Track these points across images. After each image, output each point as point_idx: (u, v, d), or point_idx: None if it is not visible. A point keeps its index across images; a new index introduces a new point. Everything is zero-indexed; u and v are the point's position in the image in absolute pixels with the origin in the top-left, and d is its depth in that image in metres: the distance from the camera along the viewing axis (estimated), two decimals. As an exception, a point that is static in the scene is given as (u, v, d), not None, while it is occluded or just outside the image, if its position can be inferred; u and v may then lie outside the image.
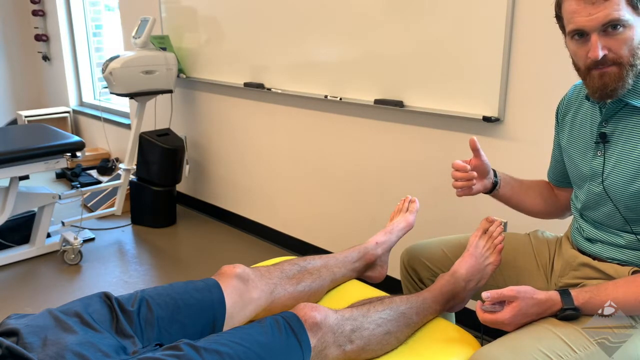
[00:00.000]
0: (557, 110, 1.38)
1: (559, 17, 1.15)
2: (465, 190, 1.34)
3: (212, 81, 3.08)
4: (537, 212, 1.48)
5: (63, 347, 0.97)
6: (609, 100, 1.14)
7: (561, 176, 1.42)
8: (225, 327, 1.20)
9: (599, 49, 1.05)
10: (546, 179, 1.51)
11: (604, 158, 1.19)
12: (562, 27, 1.15)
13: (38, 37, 4.93)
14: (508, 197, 1.45)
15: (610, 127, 1.17)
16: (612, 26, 1.04)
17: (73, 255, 2.79)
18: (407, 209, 1.64)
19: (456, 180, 1.34)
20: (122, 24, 3.81)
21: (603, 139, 1.18)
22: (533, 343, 1.07)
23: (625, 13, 1.03)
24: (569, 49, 1.15)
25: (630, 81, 1.08)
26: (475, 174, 1.33)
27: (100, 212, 3.25)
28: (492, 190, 1.43)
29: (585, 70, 1.11)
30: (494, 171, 1.43)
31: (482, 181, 1.39)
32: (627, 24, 1.04)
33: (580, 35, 1.09)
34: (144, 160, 3.18)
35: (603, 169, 1.19)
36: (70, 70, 4.82)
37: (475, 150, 1.35)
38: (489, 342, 1.13)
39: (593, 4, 1.04)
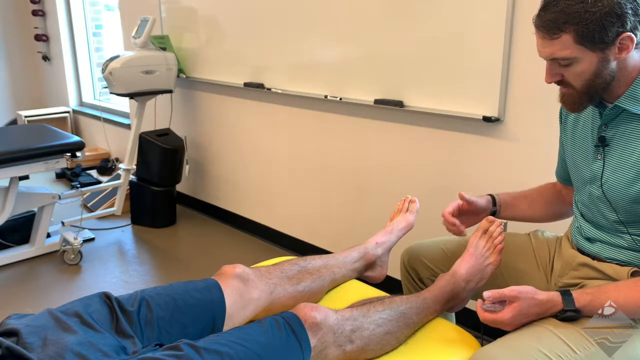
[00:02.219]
0: (561, 111, 1.38)
1: None
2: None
3: (212, 81, 3.08)
4: (545, 219, 1.51)
5: (63, 347, 0.97)
6: (609, 106, 1.15)
7: (569, 175, 1.42)
8: (225, 327, 1.20)
9: (548, 75, 1.15)
10: (550, 181, 1.52)
11: (604, 162, 1.19)
12: None
13: (38, 37, 4.93)
14: (510, 217, 1.50)
15: (609, 131, 1.18)
16: (561, 60, 1.10)
17: (73, 255, 2.79)
18: (407, 209, 1.64)
19: (448, 229, 1.44)
20: (122, 24, 3.81)
21: (602, 143, 1.18)
22: (533, 343, 1.07)
23: (574, 51, 1.07)
24: None
25: (587, 104, 1.15)
26: (463, 228, 1.43)
27: (100, 212, 3.25)
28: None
29: None
30: (493, 199, 1.48)
31: (478, 217, 1.47)
32: (575, 61, 1.09)
33: None
34: (144, 160, 3.18)
35: (602, 172, 1.19)
36: (70, 70, 4.82)
37: (463, 200, 1.43)
38: (489, 342, 1.13)
39: (543, 39, 1.10)
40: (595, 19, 1.03)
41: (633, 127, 1.13)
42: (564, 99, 1.17)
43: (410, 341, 1.27)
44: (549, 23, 1.07)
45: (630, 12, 1.03)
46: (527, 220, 1.50)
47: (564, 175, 1.44)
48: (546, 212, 1.49)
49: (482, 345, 1.19)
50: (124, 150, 3.54)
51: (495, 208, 1.47)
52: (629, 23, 1.03)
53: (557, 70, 1.12)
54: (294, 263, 1.41)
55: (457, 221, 1.41)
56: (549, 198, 1.48)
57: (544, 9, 1.09)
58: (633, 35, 1.05)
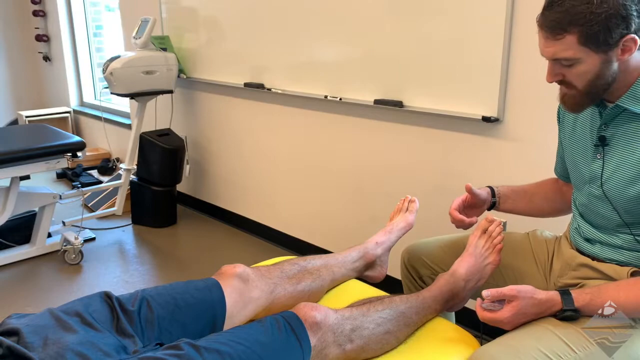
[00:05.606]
0: (558, 111, 1.38)
1: None
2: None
3: (212, 81, 3.08)
4: (543, 214, 1.51)
5: (64, 347, 0.97)
6: (609, 105, 1.15)
7: (568, 172, 1.42)
8: (225, 327, 1.21)
9: (550, 75, 1.14)
10: (550, 177, 1.52)
11: (604, 161, 1.19)
12: None
13: (39, 38, 4.94)
14: (510, 210, 1.50)
15: (610, 131, 1.18)
16: (563, 61, 1.09)
17: (74, 255, 2.80)
18: (407, 209, 1.65)
19: (457, 226, 1.45)
20: (122, 24, 3.81)
21: (602, 142, 1.18)
22: (532, 343, 1.08)
23: (577, 52, 1.06)
24: None
25: (588, 104, 1.15)
26: (470, 220, 1.43)
27: (100, 212, 3.25)
28: (490, 208, 1.50)
29: None
30: (493, 191, 1.48)
31: (481, 208, 1.48)
32: (579, 62, 1.08)
33: None
34: (145, 160, 3.19)
35: (602, 172, 1.19)
36: (71, 71, 4.83)
37: (470, 193, 1.43)
38: (489, 341, 1.13)
39: (546, 39, 1.09)
40: (600, 21, 1.02)
41: (634, 127, 1.13)
42: (564, 99, 1.17)
43: (410, 340, 1.27)
44: (553, 23, 1.06)
45: (635, 14, 1.02)
46: (526, 214, 1.51)
47: (564, 172, 1.44)
48: (545, 208, 1.49)
49: (481, 344, 1.19)
50: (125, 150, 3.54)
51: (494, 199, 1.47)
52: (633, 25, 1.03)
53: (559, 70, 1.12)
54: (294, 263, 1.41)
55: (464, 217, 1.42)
56: (549, 194, 1.49)
57: (548, 8, 1.07)
58: (637, 37, 1.04)
